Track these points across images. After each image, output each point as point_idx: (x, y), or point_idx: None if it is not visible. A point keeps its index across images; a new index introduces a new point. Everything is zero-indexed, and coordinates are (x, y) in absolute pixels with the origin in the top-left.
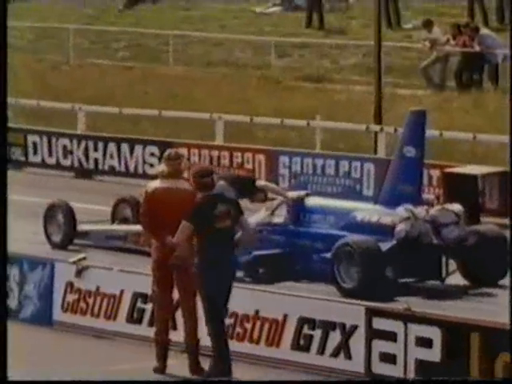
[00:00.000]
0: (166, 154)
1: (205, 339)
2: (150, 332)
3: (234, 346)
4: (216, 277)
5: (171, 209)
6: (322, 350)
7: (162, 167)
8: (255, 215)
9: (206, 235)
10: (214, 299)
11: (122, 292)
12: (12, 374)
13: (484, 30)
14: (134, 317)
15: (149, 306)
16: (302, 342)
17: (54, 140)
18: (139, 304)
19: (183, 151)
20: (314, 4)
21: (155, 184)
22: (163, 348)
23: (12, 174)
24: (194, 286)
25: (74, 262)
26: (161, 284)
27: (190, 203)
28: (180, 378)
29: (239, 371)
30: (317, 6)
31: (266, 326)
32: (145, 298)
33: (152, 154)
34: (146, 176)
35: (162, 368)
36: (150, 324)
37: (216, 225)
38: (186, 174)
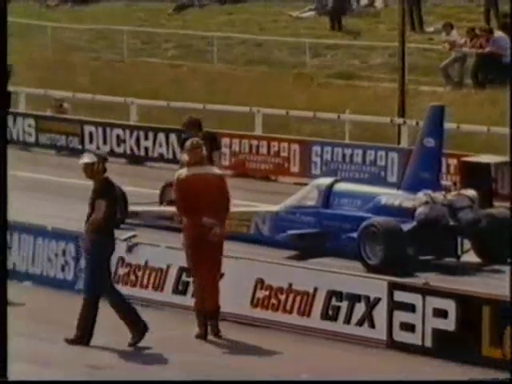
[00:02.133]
0: (188, 144)
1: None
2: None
3: (269, 315)
4: None
5: (202, 192)
6: (348, 320)
7: (185, 156)
8: (290, 198)
9: None
10: None
11: (168, 266)
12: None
13: (498, 33)
14: (179, 288)
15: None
16: (330, 312)
17: (108, 130)
18: (184, 277)
19: (226, 140)
20: (335, 10)
21: (184, 171)
22: (204, 316)
23: (70, 161)
24: (220, 260)
25: (126, 240)
26: (198, 259)
27: (219, 185)
28: (217, 342)
29: (273, 339)
30: (337, 11)
31: (298, 297)
32: (189, 271)
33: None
34: (145, 160)
35: (203, 334)
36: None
37: None
38: None
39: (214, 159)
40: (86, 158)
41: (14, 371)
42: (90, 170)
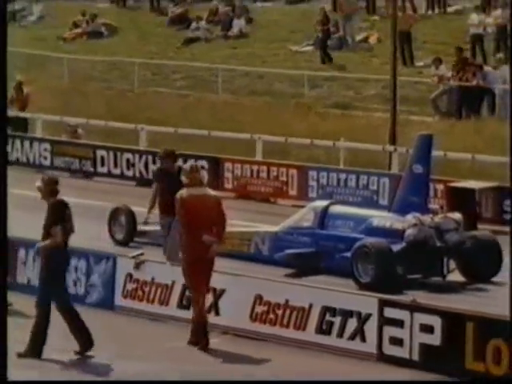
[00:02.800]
0: (187, 167)
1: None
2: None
3: (267, 329)
4: None
5: (202, 212)
6: (341, 334)
7: (184, 179)
8: (288, 220)
9: None
10: None
11: (173, 282)
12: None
13: (487, 68)
14: (184, 303)
15: None
16: (324, 326)
17: (119, 154)
18: (187, 293)
19: (228, 165)
20: (321, 45)
21: (185, 192)
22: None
23: (83, 183)
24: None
25: (134, 257)
26: (197, 274)
27: (217, 206)
28: (218, 353)
29: (271, 351)
30: (323, 47)
31: (294, 313)
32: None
33: (202, 167)
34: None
35: (205, 345)
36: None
37: None
38: None
39: None
40: (37, 182)
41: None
42: (41, 192)
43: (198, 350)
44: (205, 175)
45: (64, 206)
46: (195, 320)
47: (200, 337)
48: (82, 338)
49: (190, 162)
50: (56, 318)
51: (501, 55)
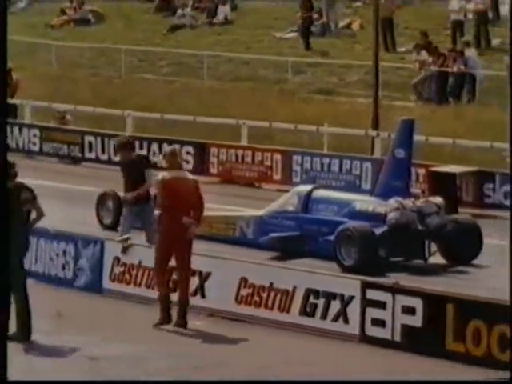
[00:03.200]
0: (167, 150)
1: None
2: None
3: (251, 311)
4: None
5: (181, 193)
6: (324, 316)
7: (164, 162)
8: (272, 204)
9: None
10: None
11: None
12: (67, 336)
13: (468, 53)
14: (169, 286)
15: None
16: (308, 308)
17: (106, 140)
18: (174, 276)
19: (214, 150)
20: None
21: (166, 175)
22: (166, 303)
23: (71, 168)
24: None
25: (121, 241)
26: (168, 253)
27: (195, 188)
28: (202, 336)
29: (256, 333)
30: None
31: (279, 295)
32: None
33: (188, 153)
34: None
35: (165, 320)
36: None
37: None
38: None
39: (147, 178)
40: None
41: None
42: None
43: (184, 331)
44: (189, 160)
45: (20, 189)
46: (160, 296)
47: (162, 310)
48: (23, 330)
49: (171, 147)
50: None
51: (468, 38)
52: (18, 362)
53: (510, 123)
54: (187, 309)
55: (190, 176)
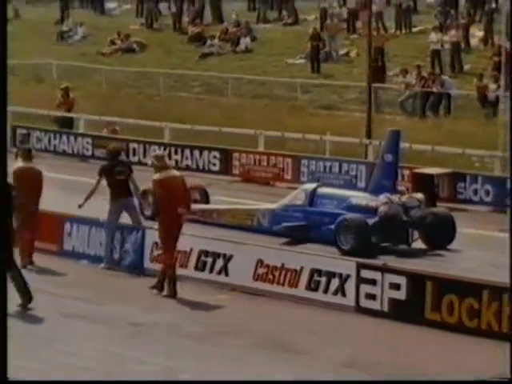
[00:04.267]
0: (154, 155)
1: None
2: (211, 276)
3: (266, 287)
4: None
5: (173, 190)
6: (325, 291)
7: (156, 164)
8: (284, 199)
9: None
10: None
11: (191, 250)
12: (112, 307)
13: (444, 77)
14: (199, 266)
15: (210, 259)
16: (312, 285)
17: (147, 146)
18: (203, 257)
19: (236, 155)
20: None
21: (159, 175)
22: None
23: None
24: None
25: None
26: (172, 236)
27: (183, 184)
28: (226, 307)
29: (270, 305)
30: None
31: (289, 274)
32: (206, 253)
33: (215, 157)
34: (210, 171)
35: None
36: (211, 270)
37: None
38: None
39: (131, 182)
40: None
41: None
42: None
43: (211, 304)
44: (216, 163)
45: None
46: (166, 271)
47: (169, 284)
48: (25, 298)
49: (157, 152)
50: None
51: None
52: (65, 325)
53: (510, 125)
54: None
55: (177, 173)
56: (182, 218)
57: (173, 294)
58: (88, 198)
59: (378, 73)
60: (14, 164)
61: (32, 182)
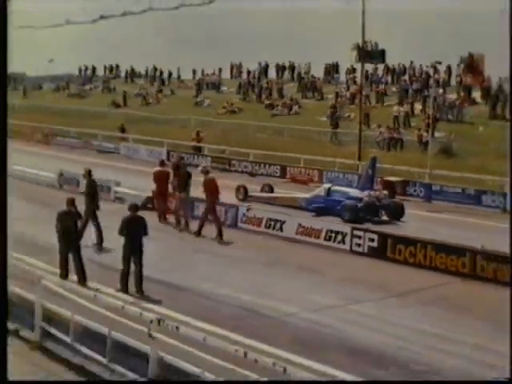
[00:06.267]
0: (202, 166)
1: None
2: (273, 232)
3: (303, 238)
4: None
5: (210, 186)
6: (334, 241)
7: (203, 171)
8: (312, 192)
9: None
10: None
11: (262, 217)
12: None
13: (400, 129)
14: (268, 226)
15: (273, 222)
16: (327, 237)
17: (242, 163)
18: (269, 222)
19: (289, 168)
20: (332, 116)
21: (204, 178)
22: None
23: (224, 175)
24: None
25: (246, 207)
26: (209, 209)
27: (214, 183)
28: (281, 247)
29: (304, 245)
30: (333, 118)
31: (314, 231)
32: (271, 219)
33: (277, 168)
34: (274, 176)
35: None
36: (273, 228)
37: None
38: None
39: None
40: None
41: None
42: None
43: (271, 246)
44: (277, 171)
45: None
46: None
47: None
48: (83, 277)
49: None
50: None
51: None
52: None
53: (509, 130)
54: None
55: (213, 176)
56: (214, 201)
57: (198, 234)
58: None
59: (365, 126)
60: (155, 168)
61: (164, 178)
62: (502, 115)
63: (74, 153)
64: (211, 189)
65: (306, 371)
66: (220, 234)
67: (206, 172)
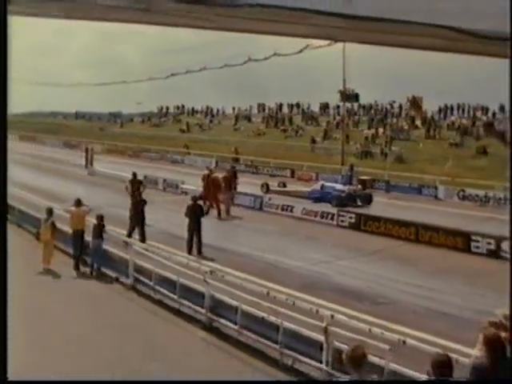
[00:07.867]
0: (208, 169)
1: None
2: (286, 213)
3: (305, 217)
4: None
5: (215, 183)
6: (326, 218)
7: (210, 170)
8: (312, 186)
9: None
10: None
11: (278, 204)
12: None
13: (370, 145)
14: (282, 209)
15: (286, 207)
16: (322, 217)
17: (263, 167)
18: (283, 206)
19: (297, 172)
20: (323, 138)
21: (211, 176)
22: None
23: (256, 176)
24: None
25: (269, 196)
26: (219, 200)
27: (218, 180)
28: (289, 222)
29: (307, 223)
30: (324, 138)
31: (312, 213)
32: (284, 205)
33: (287, 171)
34: (286, 177)
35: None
36: (286, 210)
37: None
38: None
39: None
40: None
41: None
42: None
43: (284, 218)
44: (288, 174)
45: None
46: (219, 210)
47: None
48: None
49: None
50: None
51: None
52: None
53: (510, 146)
54: None
55: (217, 175)
56: (220, 194)
57: (219, 217)
58: None
59: (346, 143)
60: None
61: (209, 180)
62: (433, 136)
63: (153, 162)
64: (215, 184)
65: (307, 302)
66: (219, 214)
67: (210, 172)
